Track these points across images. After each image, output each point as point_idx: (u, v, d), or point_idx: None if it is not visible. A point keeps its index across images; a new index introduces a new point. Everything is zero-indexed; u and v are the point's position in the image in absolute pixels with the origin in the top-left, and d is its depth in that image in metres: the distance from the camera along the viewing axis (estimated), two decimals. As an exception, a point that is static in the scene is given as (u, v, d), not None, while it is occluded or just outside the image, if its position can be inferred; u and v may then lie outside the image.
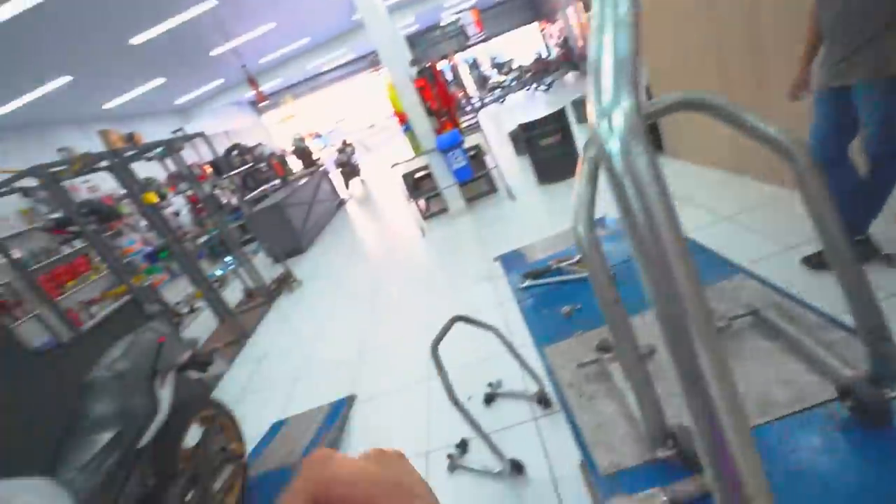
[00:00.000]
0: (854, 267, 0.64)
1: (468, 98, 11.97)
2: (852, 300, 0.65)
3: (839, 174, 1.89)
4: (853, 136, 1.86)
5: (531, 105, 11.26)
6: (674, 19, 3.09)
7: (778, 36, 2.31)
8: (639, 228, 0.30)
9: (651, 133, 4.10)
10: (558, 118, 4.48)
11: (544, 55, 15.89)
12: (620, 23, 0.31)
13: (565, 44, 15.36)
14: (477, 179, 5.02)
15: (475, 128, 5.71)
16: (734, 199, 2.88)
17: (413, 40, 10.93)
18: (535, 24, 21.27)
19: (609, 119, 0.30)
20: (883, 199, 1.87)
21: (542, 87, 12.77)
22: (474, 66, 18.34)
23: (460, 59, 14.01)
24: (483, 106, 13.70)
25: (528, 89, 13.44)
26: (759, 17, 2.38)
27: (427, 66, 5.06)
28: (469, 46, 14.30)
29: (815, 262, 1.99)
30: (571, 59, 13.45)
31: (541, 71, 13.50)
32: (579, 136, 5.71)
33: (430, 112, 4.85)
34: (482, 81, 16.38)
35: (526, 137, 4.64)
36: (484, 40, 15.74)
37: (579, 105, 6.34)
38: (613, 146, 0.30)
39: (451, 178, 4.79)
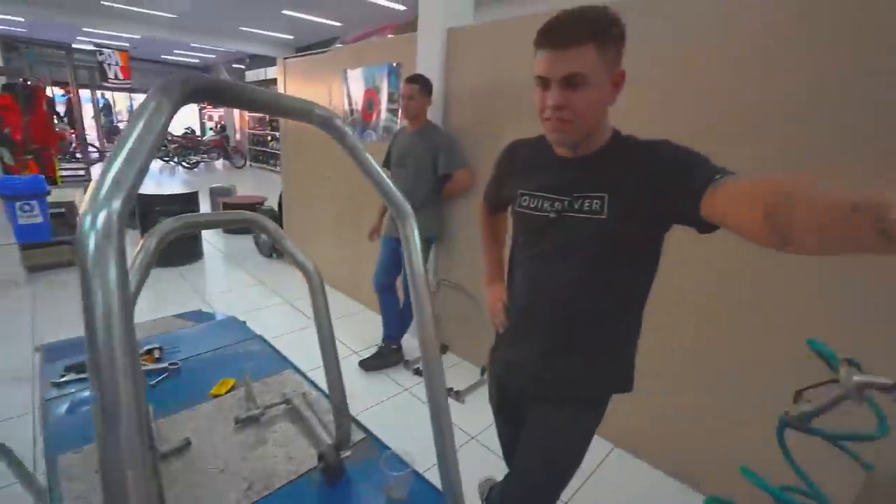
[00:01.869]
0: (336, 363, 0.92)
1: (85, 146, 9.59)
2: (330, 388, 0.92)
3: (388, 298, 2.64)
4: (399, 272, 2.68)
5: (166, 179, 10.20)
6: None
7: (370, 204, 3.19)
8: (96, 328, 0.28)
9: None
10: (188, 200, 4.24)
11: (197, 133, 15.10)
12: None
13: (222, 130, 15.23)
14: (58, 245, 3.90)
15: (81, 180, 4.59)
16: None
17: (13, 44, 8.10)
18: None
19: (95, 215, 0.29)
20: (410, 319, 2.72)
21: (186, 165, 11.90)
22: (107, 111, 15.22)
23: (89, 97, 11.35)
24: (102, 159, 11.26)
25: (167, 160, 12.18)
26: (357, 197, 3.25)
27: (26, 83, 3.86)
28: (104, 88, 11.90)
29: (367, 365, 2.60)
30: (225, 146, 13.38)
31: (189, 147, 12.66)
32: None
33: (6, 141, 3.60)
34: (110, 132, 13.67)
35: (143, 212, 4.09)
36: (128, 89, 13.55)
37: (218, 193, 6.25)
38: (88, 242, 0.29)
39: (13, 236, 3.54)
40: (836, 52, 1.32)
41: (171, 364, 1.31)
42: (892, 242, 0.37)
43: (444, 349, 2.86)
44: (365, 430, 1.09)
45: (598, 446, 2.06)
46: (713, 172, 0.71)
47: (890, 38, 1.24)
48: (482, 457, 2.00)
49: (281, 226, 4.36)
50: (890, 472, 0.36)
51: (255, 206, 4.93)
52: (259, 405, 1.11)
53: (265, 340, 1.50)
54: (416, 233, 0.70)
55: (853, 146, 1.32)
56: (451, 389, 2.41)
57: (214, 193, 6.28)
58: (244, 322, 1.70)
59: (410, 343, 2.88)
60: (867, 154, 1.31)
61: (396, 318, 2.67)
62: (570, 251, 0.91)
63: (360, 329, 3.14)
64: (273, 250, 4.57)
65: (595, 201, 0.86)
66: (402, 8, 8.43)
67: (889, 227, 0.37)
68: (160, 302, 3.42)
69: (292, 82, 3.89)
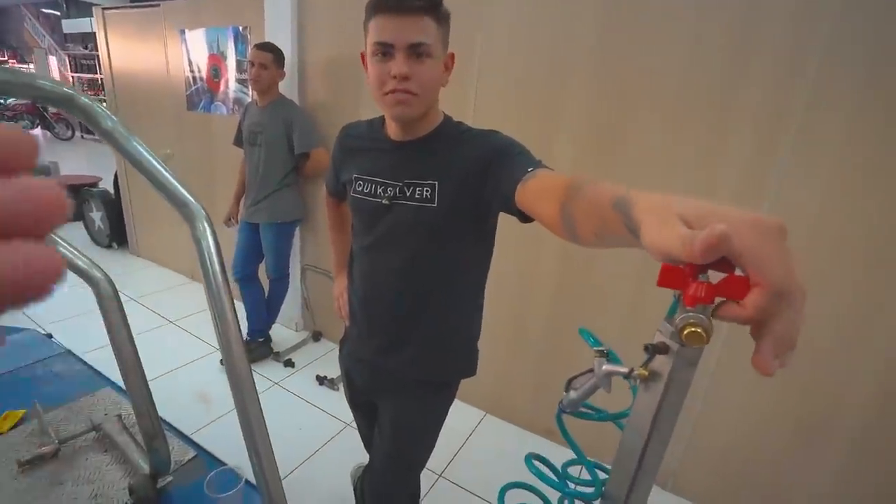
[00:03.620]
0: (142, 383, 0.79)
1: None
2: (137, 414, 0.79)
3: (250, 289, 2.42)
4: (261, 260, 2.47)
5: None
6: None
7: (224, 185, 2.86)
8: None
9: (119, 232, 3.83)
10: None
11: (-2, 95, 12.03)
12: None
13: (36, 94, 12.35)
14: None
15: None
16: (187, 304, 3.06)
17: None
18: (-8, 52, 16.08)
19: None
20: (278, 309, 2.54)
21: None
22: None
23: None
24: None
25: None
26: (209, 176, 2.89)
27: None
28: None
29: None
30: (42, 113, 10.90)
31: (-14, 113, 10.04)
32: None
33: None
34: None
35: None
36: None
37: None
38: None
39: None
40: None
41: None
42: (633, 235, 0.39)
43: (317, 336, 2.75)
44: (196, 446, 0.98)
45: (471, 414, 2.18)
46: (529, 164, 0.73)
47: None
48: (357, 443, 1.98)
49: (120, 211, 3.74)
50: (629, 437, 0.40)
51: (83, 187, 4.11)
52: (55, 438, 0.92)
53: (74, 356, 1.26)
54: (209, 234, 0.61)
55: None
56: (325, 377, 2.33)
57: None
58: (49, 335, 1.41)
59: (280, 333, 2.71)
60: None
61: (261, 310, 2.47)
62: (400, 240, 0.90)
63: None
64: (112, 238, 3.90)
65: (426, 189, 0.85)
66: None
67: (633, 224, 0.39)
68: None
69: (117, 40, 3.25)
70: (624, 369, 0.40)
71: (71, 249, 0.78)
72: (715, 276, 0.32)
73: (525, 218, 0.74)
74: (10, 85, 0.51)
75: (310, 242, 2.64)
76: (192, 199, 0.62)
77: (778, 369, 0.30)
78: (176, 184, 0.60)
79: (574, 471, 0.67)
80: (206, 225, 0.62)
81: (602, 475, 0.57)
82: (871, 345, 1.37)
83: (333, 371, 2.36)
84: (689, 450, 1.73)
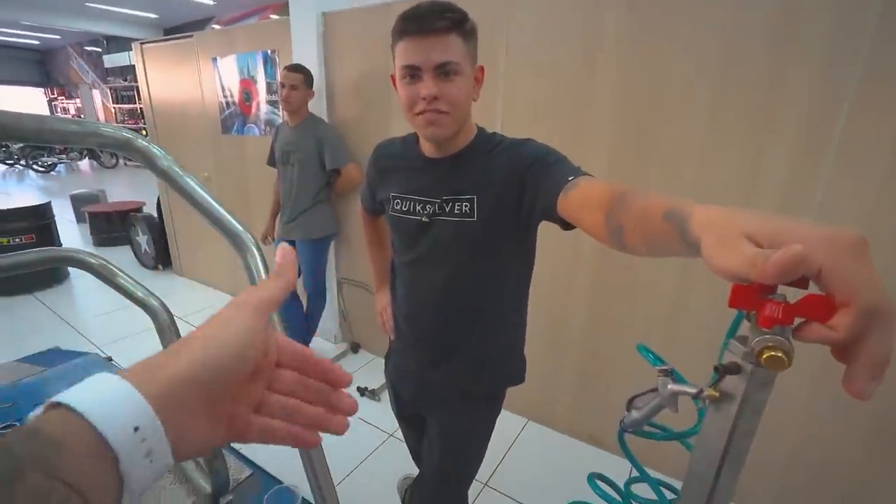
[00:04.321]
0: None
1: None
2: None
3: (289, 306, 2.49)
4: (298, 276, 2.53)
5: (13, 187, 8.61)
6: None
7: (261, 203, 2.96)
8: None
9: (163, 254, 4.02)
10: (36, 214, 3.60)
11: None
12: None
13: (83, 127, 13.19)
14: None
15: None
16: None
17: None
18: (43, 89, 17.30)
19: None
20: (317, 322, 2.60)
21: (38, 168, 10.15)
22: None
23: None
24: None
25: (12, 164, 10.27)
26: (246, 196, 2.99)
27: None
28: None
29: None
30: (89, 145, 11.59)
31: (39, 147, 10.77)
32: (73, 243, 4.81)
33: None
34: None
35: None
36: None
37: (81, 201, 5.41)
38: None
39: None
40: (678, 41, 1.45)
41: None
42: (694, 251, 0.39)
43: (356, 348, 2.79)
44: (251, 464, 1.01)
45: (513, 421, 2.16)
46: (569, 173, 0.72)
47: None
48: (401, 454, 1.99)
49: (164, 233, 3.93)
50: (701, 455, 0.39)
51: (129, 213, 4.34)
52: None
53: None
54: (259, 261, 0.63)
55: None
56: (366, 388, 2.36)
57: (77, 202, 5.43)
58: (109, 359, 1.48)
59: (319, 346, 2.77)
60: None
61: (301, 324, 2.53)
62: (443, 255, 0.90)
63: (264, 338, 2.95)
64: (158, 259, 4.09)
65: (465, 204, 0.85)
66: (282, -15, 7.83)
67: (690, 238, 0.39)
68: (13, 341, 2.90)
69: (155, 71, 3.43)
70: (692, 389, 0.39)
71: (129, 280, 0.83)
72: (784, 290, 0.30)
73: (567, 226, 0.73)
74: (78, 134, 0.54)
75: (344, 256, 2.69)
76: (242, 230, 0.64)
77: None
78: (228, 216, 0.63)
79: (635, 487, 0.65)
80: (255, 252, 0.64)
81: (667, 492, 0.55)
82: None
83: (374, 382, 2.39)
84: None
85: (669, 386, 0.41)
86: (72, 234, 5.26)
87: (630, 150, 1.63)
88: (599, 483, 0.60)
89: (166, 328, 0.81)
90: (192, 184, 0.61)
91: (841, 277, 0.27)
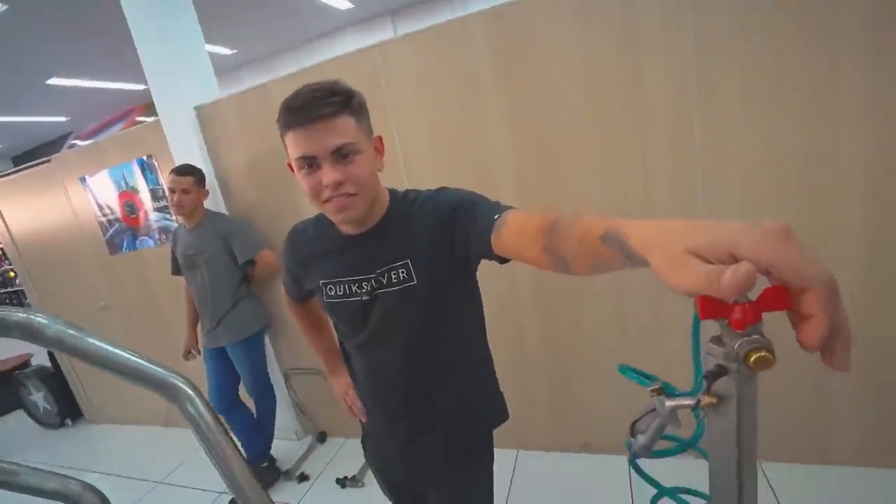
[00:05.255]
0: None
1: None
2: None
3: (238, 416, 2.24)
4: (238, 382, 2.30)
5: None
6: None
7: (174, 318, 2.68)
8: None
9: (68, 406, 3.46)
10: None
11: None
12: None
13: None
14: None
15: None
16: (169, 455, 2.79)
17: None
18: None
19: None
20: (272, 425, 2.36)
21: None
22: None
23: None
24: None
25: None
26: (153, 316, 2.71)
27: None
28: None
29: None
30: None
31: None
32: None
33: None
34: None
35: None
36: None
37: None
38: None
39: None
40: (543, 64, 1.59)
41: None
42: (637, 264, 0.41)
43: (322, 437, 2.57)
44: None
45: (504, 457, 2.09)
46: (494, 211, 0.73)
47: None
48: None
49: (64, 381, 3.40)
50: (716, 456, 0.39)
51: (14, 371, 3.71)
52: None
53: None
54: (202, 405, 0.55)
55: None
56: (345, 478, 2.17)
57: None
58: None
59: (282, 448, 2.51)
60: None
61: (257, 433, 2.29)
62: (394, 327, 0.86)
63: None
64: (63, 414, 3.50)
65: (401, 270, 0.83)
66: (140, 87, 7.50)
67: (636, 258, 0.40)
68: None
69: (12, 206, 3.04)
70: (690, 401, 0.39)
71: (36, 473, 0.68)
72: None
73: (503, 260, 0.74)
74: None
75: (283, 345, 2.51)
76: (170, 375, 0.56)
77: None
78: (149, 365, 0.55)
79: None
80: (193, 396, 0.56)
81: (692, 498, 0.55)
82: None
83: (352, 468, 2.21)
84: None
85: (667, 403, 0.41)
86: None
87: (531, 169, 1.73)
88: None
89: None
90: (96, 343, 0.53)
91: (788, 268, 0.29)
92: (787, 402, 1.65)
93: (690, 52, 1.44)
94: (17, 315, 0.50)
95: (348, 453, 2.40)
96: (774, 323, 0.36)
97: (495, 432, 1.03)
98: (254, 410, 2.31)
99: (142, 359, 0.55)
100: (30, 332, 0.50)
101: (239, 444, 2.21)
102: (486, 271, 0.88)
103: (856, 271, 1.47)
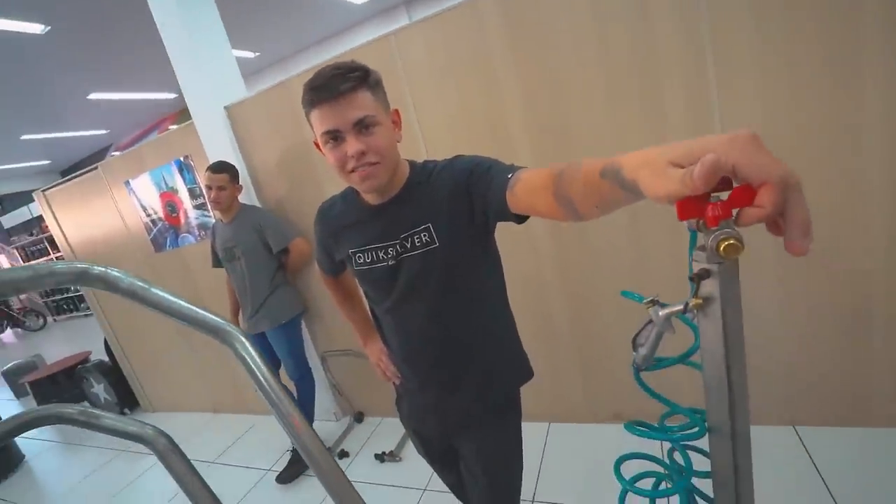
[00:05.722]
0: None
1: None
2: None
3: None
4: (279, 367, 2.43)
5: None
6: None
7: (219, 305, 2.85)
8: None
9: (127, 396, 3.73)
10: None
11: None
12: None
13: None
14: None
15: None
16: (219, 440, 2.97)
17: None
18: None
19: None
20: (312, 407, 2.49)
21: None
22: None
23: None
24: None
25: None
26: (204, 301, 2.88)
27: None
28: None
29: (284, 477, 2.31)
30: (7, 312, 10.66)
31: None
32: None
33: None
34: None
35: None
36: None
37: (17, 374, 4.95)
38: None
39: None
40: (555, 38, 1.61)
41: None
42: (637, 195, 0.44)
43: (360, 417, 2.69)
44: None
45: (536, 429, 2.14)
46: (507, 171, 0.78)
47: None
48: (444, 502, 1.92)
49: (121, 375, 3.66)
50: (709, 371, 0.43)
51: (76, 367, 4.02)
52: None
53: None
54: (251, 349, 0.63)
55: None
56: (384, 453, 2.27)
57: (11, 377, 4.96)
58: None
59: (322, 428, 2.64)
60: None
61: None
62: (420, 289, 0.92)
63: (259, 442, 2.78)
64: (122, 404, 3.78)
65: (423, 234, 0.89)
66: (171, 96, 7.84)
67: (628, 184, 0.44)
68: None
69: (66, 213, 3.29)
70: (679, 306, 0.44)
71: (115, 417, 0.78)
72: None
73: (520, 219, 0.78)
74: (33, 279, 0.53)
75: (319, 330, 2.63)
76: (224, 323, 0.64)
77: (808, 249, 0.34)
78: (206, 313, 0.63)
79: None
80: (244, 340, 0.64)
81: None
82: None
83: (389, 444, 2.31)
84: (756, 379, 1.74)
85: (661, 312, 0.45)
86: (13, 413, 4.74)
87: (547, 145, 1.75)
88: (638, 427, 0.63)
89: (168, 453, 0.77)
90: (161, 293, 0.61)
91: (750, 166, 0.33)
92: (823, 366, 1.63)
93: (705, 28, 1.43)
94: (98, 269, 0.58)
95: (385, 431, 2.51)
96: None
97: (530, 402, 1.09)
98: (295, 393, 2.44)
99: (199, 307, 0.63)
100: (108, 283, 0.58)
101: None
102: (510, 246, 0.92)
103: (877, 259, 1.45)
